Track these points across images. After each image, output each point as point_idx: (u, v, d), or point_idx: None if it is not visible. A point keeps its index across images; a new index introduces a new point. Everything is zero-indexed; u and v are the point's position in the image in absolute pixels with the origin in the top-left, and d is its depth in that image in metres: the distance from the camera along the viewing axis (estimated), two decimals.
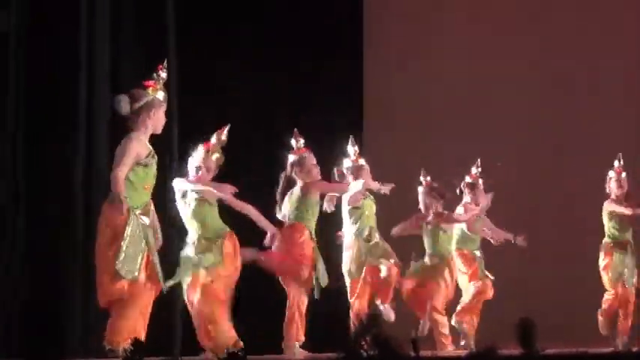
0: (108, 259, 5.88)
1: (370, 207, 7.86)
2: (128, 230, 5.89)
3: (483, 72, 10.11)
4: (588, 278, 8.67)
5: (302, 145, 7.46)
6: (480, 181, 8.63)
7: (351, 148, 7.95)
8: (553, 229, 9.67)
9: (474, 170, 8.66)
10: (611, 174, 8.68)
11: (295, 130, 7.48)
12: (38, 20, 7.99)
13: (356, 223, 7.82)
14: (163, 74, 6.16)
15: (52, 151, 7.85)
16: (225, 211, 6.82)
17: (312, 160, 7.41)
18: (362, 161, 7.92)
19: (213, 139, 6.85)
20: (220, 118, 8.74)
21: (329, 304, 7.69)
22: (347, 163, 7.92)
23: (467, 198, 8.62)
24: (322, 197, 7.58)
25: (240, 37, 9.07)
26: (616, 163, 8.69)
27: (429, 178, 8.44)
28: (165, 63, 6.19)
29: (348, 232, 7.84)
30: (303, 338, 7.21)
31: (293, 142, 7.46)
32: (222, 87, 8.86)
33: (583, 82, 10.21)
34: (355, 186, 7.60)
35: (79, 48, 8.10)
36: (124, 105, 6.01)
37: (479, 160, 8.66)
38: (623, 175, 8.64)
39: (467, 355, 4.65)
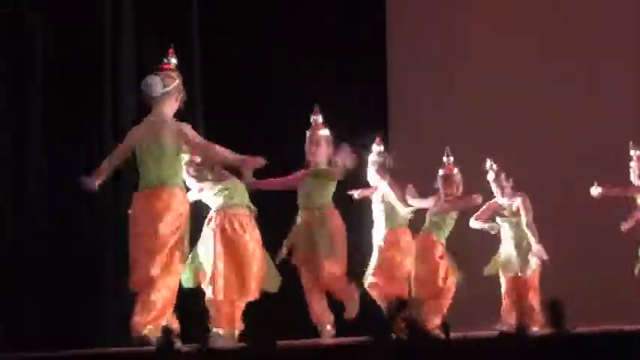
0: (174, 244, 5.97)
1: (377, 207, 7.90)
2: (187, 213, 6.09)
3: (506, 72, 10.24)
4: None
5: (320, 122, 7.36)
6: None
7: (376, 147, 7.94)
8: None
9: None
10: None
11: (315, 106, 7.37)
12: (61, 13, 8.04)
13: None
14: (174, 60, 6.16)
15: (80, 148, 7.88)
16: None
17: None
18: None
19: None
20: (245, 111, 8.91)
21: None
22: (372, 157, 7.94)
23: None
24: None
25: (265, 29, 9.19)
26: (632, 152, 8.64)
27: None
28: (172, 48, 6.21)
29: None
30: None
31: (312, 118, 7.38)
32: (247, 82, 8.97)
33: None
34: None
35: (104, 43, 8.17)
36: (158, 87, 6.01)
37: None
38: None
39: (497, 337, 4.65)
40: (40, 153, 7.83)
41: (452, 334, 4.81)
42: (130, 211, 6.14)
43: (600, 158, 9.33)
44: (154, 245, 5.95)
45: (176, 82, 6.10)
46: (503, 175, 8.63)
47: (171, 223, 5.98)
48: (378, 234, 7.93)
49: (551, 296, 4.80)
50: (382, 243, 7.89)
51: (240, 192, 6.82)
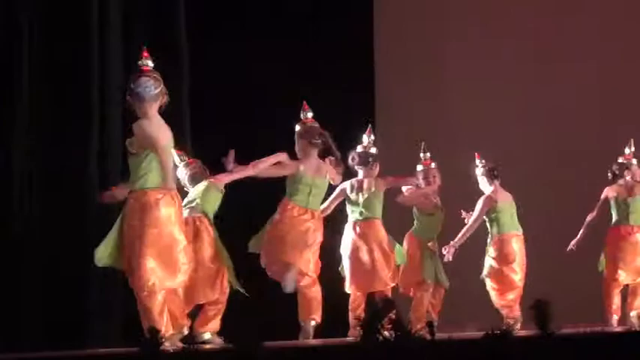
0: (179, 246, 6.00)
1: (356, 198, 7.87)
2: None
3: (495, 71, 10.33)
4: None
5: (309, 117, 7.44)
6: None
7: (366, 137, 7.98)
8: (554, 227, 9.71)
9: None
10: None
11: (304, 102, 7.45)
12: (49, 15, 8.07)
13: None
14: (150, 62, 6.14)
15: (67, 143, 7.92)
16: None
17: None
18: (373, 150, 7.93)
19: None
20: (231, 109, 8.94)
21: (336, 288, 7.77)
22: (359, 149, 7.94)
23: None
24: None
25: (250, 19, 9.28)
26: (627, 150, 8.77)
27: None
28: (145, 50, 6.20)
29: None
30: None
31: (302, 113, 7.44)
32: (234, 75, 8.99)
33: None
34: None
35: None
36: (152, 88, 5.99)
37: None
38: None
39: (483, 338, 4.68)
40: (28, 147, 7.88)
41: (437, 335, 4.84)
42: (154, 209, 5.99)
43: (595, 158, 9.34)
44: (182, 245, 6.04)
45: (162, 85, 6.14)
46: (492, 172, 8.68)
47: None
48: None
49: (537, 298, 4.85)
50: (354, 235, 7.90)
51: (207, 199, 6.95)
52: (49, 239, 7.81)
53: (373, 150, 7.91)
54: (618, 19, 10.51)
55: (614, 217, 8.66)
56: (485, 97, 10.31)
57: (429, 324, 4.82)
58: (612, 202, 8.64)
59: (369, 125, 8.06)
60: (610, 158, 8.86)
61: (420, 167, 8.39)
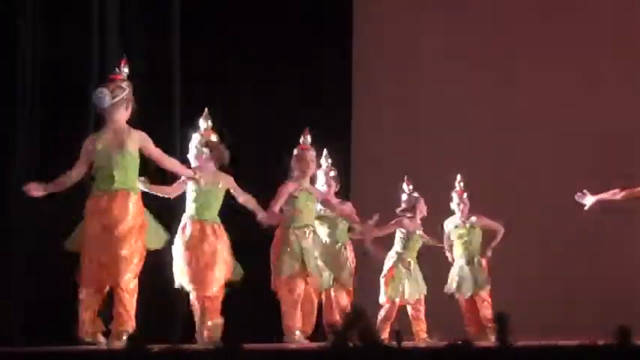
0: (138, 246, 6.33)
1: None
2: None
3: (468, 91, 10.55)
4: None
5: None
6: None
7: (324, 161, 8.39)
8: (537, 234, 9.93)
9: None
10: None
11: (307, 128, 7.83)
12: None
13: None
14: (126, 69, 6.46)
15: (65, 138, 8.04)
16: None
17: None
18: (332, 173, 8.42)
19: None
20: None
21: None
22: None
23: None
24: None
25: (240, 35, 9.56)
26: None
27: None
28: (125, 58, 6.49)
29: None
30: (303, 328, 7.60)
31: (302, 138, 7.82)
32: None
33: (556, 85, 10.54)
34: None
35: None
36: (106, 99, 6.30)
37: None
38: None
39: (445, 347, 4.94)
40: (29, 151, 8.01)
41: (404, 343, 5.11)
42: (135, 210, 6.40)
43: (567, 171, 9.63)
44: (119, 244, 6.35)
45: (125, 91, 6.40)
46: (465, 195, 9.02)
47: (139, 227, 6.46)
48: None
49: (498, 310, 5.11)
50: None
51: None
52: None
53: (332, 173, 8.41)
54: (601, 26, 10.68)
55: None
56: (467, 115, 10.52)
57: (396, 333, 5.11)
58: None
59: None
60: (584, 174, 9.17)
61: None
